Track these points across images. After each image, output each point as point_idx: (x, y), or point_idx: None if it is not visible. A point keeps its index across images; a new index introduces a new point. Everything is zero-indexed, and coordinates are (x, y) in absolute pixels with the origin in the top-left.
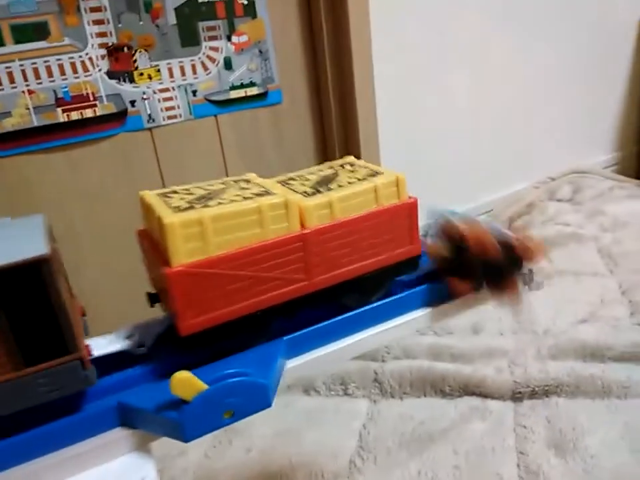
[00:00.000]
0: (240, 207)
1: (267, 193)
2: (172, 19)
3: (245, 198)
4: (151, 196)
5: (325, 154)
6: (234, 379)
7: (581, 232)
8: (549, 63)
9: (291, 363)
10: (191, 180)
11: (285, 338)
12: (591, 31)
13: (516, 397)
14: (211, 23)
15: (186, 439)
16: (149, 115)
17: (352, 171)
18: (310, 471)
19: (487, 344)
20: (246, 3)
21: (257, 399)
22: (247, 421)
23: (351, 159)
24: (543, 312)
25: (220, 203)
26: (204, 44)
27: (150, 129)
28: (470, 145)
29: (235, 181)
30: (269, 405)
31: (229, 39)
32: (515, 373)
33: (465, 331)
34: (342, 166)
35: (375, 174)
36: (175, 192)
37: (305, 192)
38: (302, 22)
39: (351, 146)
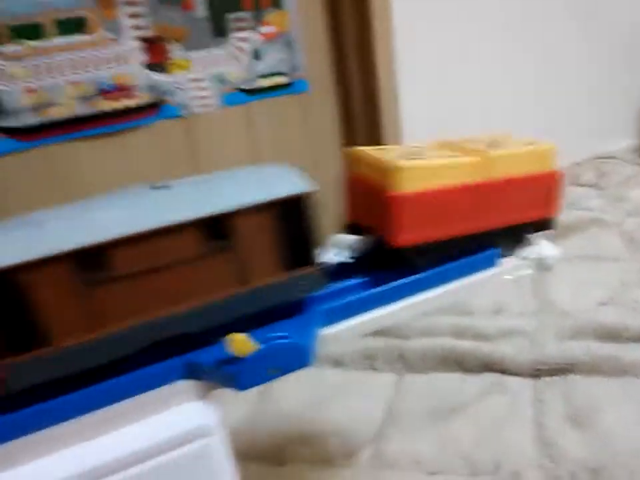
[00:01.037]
0: (445, 162)
1: (455, 155)
2: (203, 11)
3: (441, 157)
4: (363, 150)
5: (350, 138)
6: (280, 341)
7: (604, 217)
8: (574, 47)
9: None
10: (224, 162)
11: (325, 306)
12: (618, 14)
13: (535, 374)
14: (240, 15)
15: (241, 388)
16: (183, 104)
17: (510, 142)
18: (341, 436)
19: (508, 324)
20: None
21: (298, 358)
22: (281, 391)
23: (505, 133)
24: (562, 294)
25: (422, 159)
26: (233, 35)
27: (184, 117)
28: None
29: (417, 147)
30: (309, 364)
31: (256, 29)
32: (534, 351)
33: (486, 311)
34: (496, 140)
35: (532, 143)
36: (380, 150)
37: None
38: (327, 11)
39: (374, 131)
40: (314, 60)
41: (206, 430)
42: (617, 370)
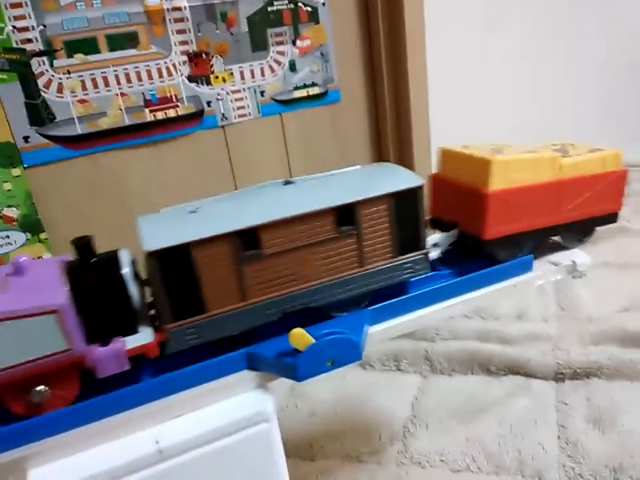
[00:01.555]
0: (528, 157)
1: (536, 151)
2: (244, 27)
3: (522, 152)
4: (452, 149)
5: (379, 149)
6: (334, 336)
7: (629, 225)
8: (600, 55)
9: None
10: (258, 169)
11: (379, 305)
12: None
13: (558, 377)
14: (278, 30)
15: (299, 378)
16: (223, 114)
17: (577, 148)
18: (368, 433)
19: (531, 328)
20: (310, 10)
21: (351, 352)
22: (311, 389)
23: (572, 141)
24: (586, 301)
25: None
26: (272, 48)
27: (223, 127)
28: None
29: (500, 146)
30: (360, 358)
31: (294, 43)
32: (558, 355)
33: (509, 316)
34: (564, 145)
35: (598, 150)
36: (467, 147)
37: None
38: (360, 26)
39: (404, 143)
40: (347, 72)
41: (265, 416)
42: (638, 374)
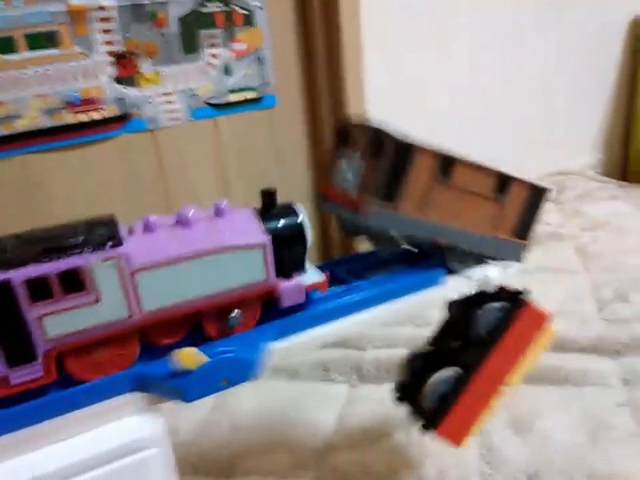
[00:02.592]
0: None
1: None
2: (175, 27)
3: None
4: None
5: (317, 153)
6: (226, 355)
7: (561, 231)
8: (535, 63)
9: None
10: (191, 173)
11: (276, 322)
12: (580, 32)
13: None
14: (212, 32)
15: (187, 400)
16: (151, 118)
17: None
18: (291, 448)
19: None
20: (246, 13)
21: (246, 371)
22: (235, 402)
23: None
24: None
25: None
26: (205, 51)
27: (151, 130)
28: (457, 145)
29: None
30: (256, 377)
31: (228, 46)
32: None
33: None
34: None
35: None
36: None
37: None
38: (297, 28)
39: None
40: (284, 76)
41: (146, 442)
42: (560, 379)
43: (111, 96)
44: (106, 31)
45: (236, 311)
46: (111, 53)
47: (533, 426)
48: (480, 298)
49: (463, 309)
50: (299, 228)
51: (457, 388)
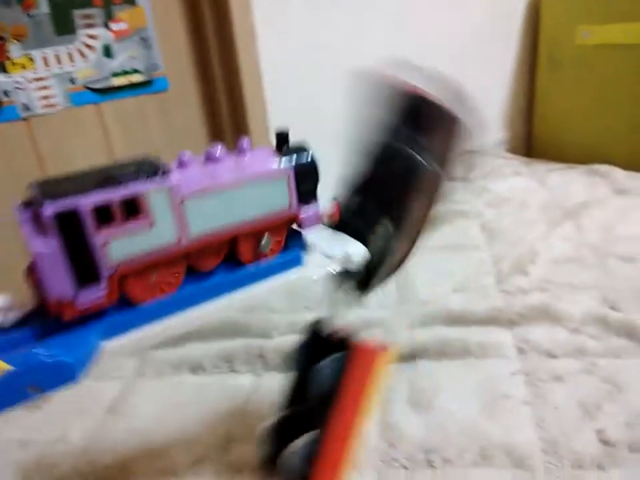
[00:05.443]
0: None
1: None
2: (45, 8)
3: None
4: None
5: (215, 137)
6: (36, 360)
7: (467, 208)
8: (437, 40)
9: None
10: (75, 160)
11: (103, 319)
12: (482, 9)
13: None
14: (87, 11)
15: None
16: (24, 105)
17: None
18: (189, 445)
19: (366, 315)
20: None
21: (62, 375)
22: (133, 404)
23: None
24: (422, 284)
25: None
26: (80, 32)
27: (26, 119)
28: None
29: None
30: (74, 381)
31: (107, 26)
32: (387, 340)
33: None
34: None
35: None
36: None
37: None
38: (185, 9)
39: (241, 127)
40: (174, 58)
41: None
42: (461, 352)
43: None
44: None
45: (266, 234)
46: None
47: (433, 401)
48: (317, 348)
49: (305, 366)
50: (312, 162)
51: (315, 449)
